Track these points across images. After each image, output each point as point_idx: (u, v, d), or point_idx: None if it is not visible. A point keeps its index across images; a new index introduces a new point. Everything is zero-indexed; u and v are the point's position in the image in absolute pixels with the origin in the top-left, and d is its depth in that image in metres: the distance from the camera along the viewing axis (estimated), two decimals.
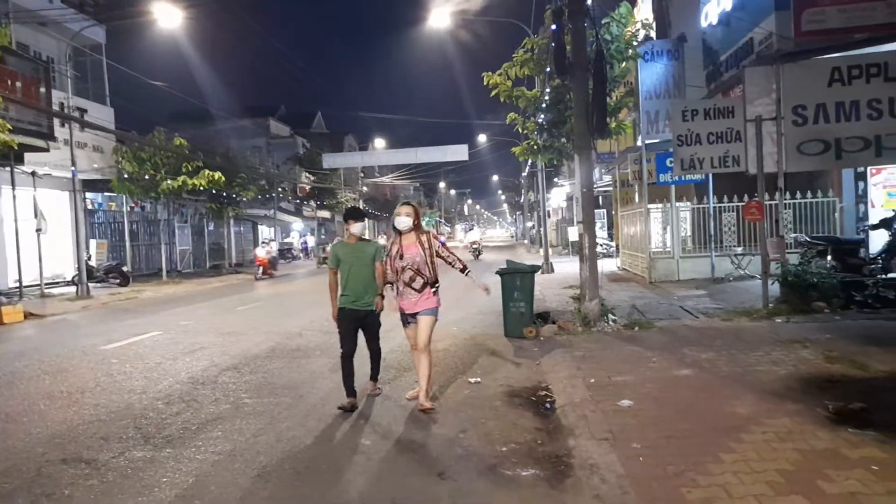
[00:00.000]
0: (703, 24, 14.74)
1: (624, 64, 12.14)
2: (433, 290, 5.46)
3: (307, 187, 41.96)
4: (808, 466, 3.63)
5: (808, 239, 11.07)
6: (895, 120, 8.86)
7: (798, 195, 13.08)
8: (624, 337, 7.98)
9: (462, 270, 5.77)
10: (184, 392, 6.29)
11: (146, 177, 21.41)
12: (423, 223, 5.78)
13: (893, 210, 10.42)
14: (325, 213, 47.09)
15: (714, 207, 13.97)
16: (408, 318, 5.59)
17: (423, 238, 5.48)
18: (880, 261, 9.91)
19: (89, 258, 19.77)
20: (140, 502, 3.72)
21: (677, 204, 14.46)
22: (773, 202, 10.97)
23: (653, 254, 14.40)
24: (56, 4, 20.99)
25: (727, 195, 13.80)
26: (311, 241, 43.39)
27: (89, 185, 21.62)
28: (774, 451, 3.89)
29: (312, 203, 43.57)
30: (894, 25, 9.36)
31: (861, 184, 12.45)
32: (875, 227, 10.52)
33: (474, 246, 32.06)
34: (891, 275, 9.49)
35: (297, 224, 42.39)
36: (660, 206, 14.76)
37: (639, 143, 15.02)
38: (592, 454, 4.10)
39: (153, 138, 22.30)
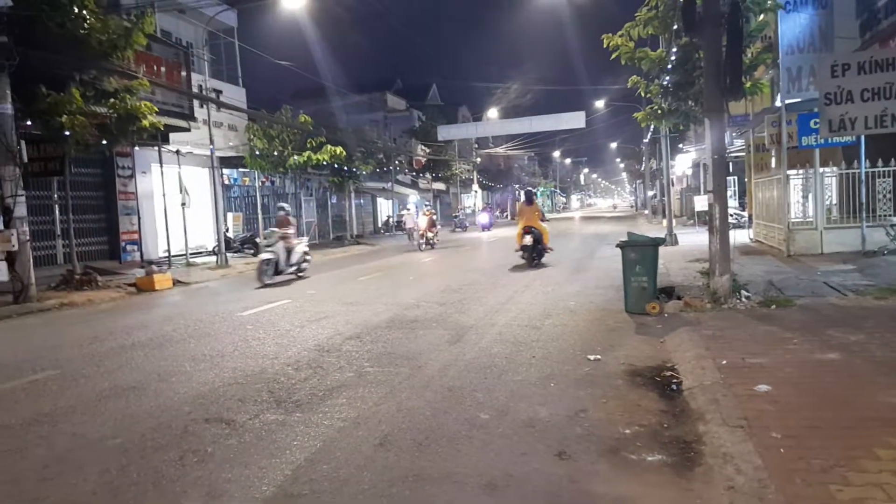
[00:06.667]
0: None
1: (762, 16, 11.07)
2: None
3: (423, 160, 42.61)
4: None
5: None
6: None
7: None
8: (759, 315, 7.40)
9: None
10: (311, 359, 6.62)
11: (275, 153, 22.67)
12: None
13: None
14: (441, 185, 47.67)
15: (866, 172, 12.54)
16: None
17: None
18: None
19: (227, 230, 21.40)
20: (273, 463, 3.95)
21: (821, 169, 13.13)
22: None
23: (792, 224, 13.22)
24: None
25: (882, 158, 12.33)
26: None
27: (225, 162, 23.22)
28: None
29: (428, 175, 44.22)
30: None
31: None
32: None
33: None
34: None
35: (413, 196, 43.36)
36: (801, 171, 13.48)
37: (777, 103, 13.74)
38: (725, 442, 3.82)
39: (280, 116, 23.50)
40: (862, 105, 8.64)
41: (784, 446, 3.65)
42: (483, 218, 37.11)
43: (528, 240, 14.53)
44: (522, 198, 17.73)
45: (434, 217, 24.48)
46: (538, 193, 74.85)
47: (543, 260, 14.96)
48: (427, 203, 34.80)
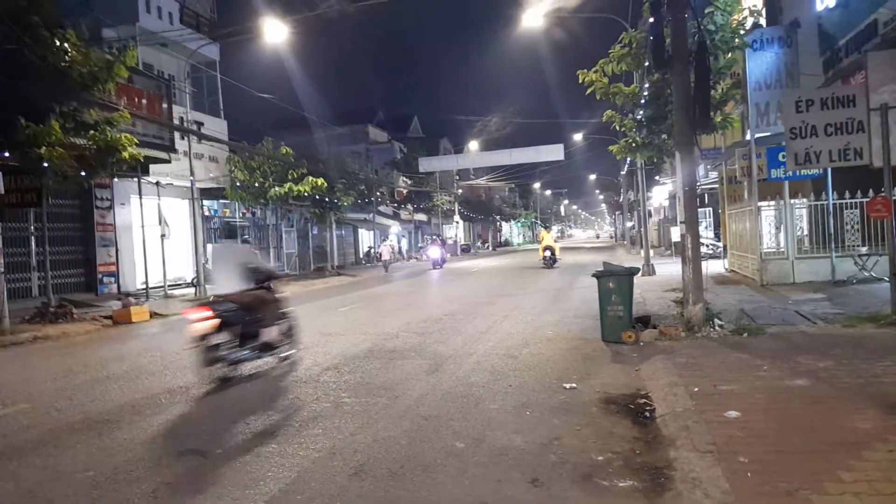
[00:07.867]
0: (819, 7, 13.70)
1: (730, 54, 11.49)
2: None
3: (404, 191, 42.88)
4: None
5: None
6: None
7: None
8: (731, 343, 7.54)
9: None
10: (288, 389, 6.59)
11: (256, 184, 22.73)
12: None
13: None
14: (422, 216, 47.91)
15: (834, 204, 12.92)
16: None
17: None
18: None
19: (206, 261, 21.23)
20: (247, 495, 3.94)
21: (791, 201, 13.51)
22: None
23: (764, 254, 13.52)
24: (176, 26, 22.71)
25: (849, 190, 12.73)
26: (404, 243, 44.57)
27: (206, 194, 23.20)
28: None
29: (409, 206, 44.46)
30: None
31: None
32: None
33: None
34: None
35: (394, 227, 43.48)
36: (772, 203, 13.85)
37: (747, 137, 14.18)
38: (695, 467, 3.90)
39: (262, 148, 23.62)
40: (826, 139, 8.94)
41: (751, 470, 3.74)
42: (433, 252, 30.34)
43: (548, 253, 25.75)
44: (541, 228, 33.65)
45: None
46: (520, 223, 76.80)
47: (555, 265, 25.51)
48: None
